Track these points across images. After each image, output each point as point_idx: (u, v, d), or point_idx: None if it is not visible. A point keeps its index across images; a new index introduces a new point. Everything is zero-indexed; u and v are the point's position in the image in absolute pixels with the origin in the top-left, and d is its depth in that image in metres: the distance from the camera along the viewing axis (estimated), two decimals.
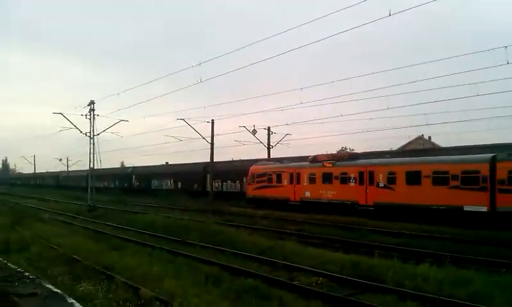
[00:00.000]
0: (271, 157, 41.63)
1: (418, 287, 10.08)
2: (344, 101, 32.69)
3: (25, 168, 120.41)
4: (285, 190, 32.97)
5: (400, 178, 25.25)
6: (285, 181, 33.13)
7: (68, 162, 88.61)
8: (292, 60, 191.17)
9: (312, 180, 31.18)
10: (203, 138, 39.58)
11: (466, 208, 21.69)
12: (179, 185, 53.11)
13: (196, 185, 49.05)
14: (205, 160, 43.72)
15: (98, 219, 28.16)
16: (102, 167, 42.42)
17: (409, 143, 60.58)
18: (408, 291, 9.74)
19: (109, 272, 11.37)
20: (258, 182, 35.82)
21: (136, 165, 68.52)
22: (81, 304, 7.40)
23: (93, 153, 39.66)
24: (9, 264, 11.09)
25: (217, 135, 39.75)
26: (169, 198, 45.78)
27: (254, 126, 41.08)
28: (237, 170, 42.71)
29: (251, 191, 36.42)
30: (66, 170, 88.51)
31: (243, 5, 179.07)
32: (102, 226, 24.04)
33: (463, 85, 25.16)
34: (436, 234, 18.50)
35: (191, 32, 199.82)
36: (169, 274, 11.39)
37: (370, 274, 11.51)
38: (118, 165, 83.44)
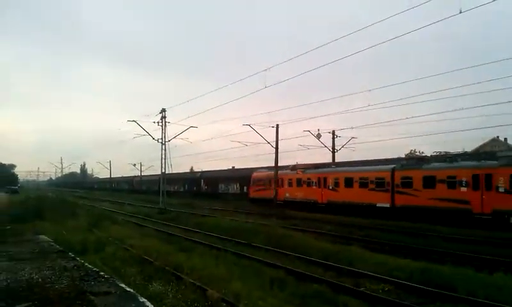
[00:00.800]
0: (335, 160, 41.01)
1: (491, 296, 9.57)
2: (413, 102, 31.67)
3: (102, 173, 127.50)
4: (272, 193, 40.00)
5: (341, 183, 33.72)
6: (286, 184, 40.80)
7: (141, 167, 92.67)
8: (359, 62, 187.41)
9: (289, 184, 40.17)
10: (268, 143, 39.86)
11: (378, 205, 30.13)
12: (245, 189, 53.81)
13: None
14: (270, 165, 43.89)
15: (169, 221, 29.24)
16: (173, 171, 44.19)
17: (484, 145, 57.18)
18: (481, 300, 9.29)
19: (178, 273, 11.75)
20: (257, 185, 45.46)
21: (204, 169, 70.44)
22: (152, 303, 7.73)
23: (165, 159, 41.57)
24: (86, 264, 11.73)
25: (282, 139, 39.84)
26: (236, 202, 46.55)
27: (318, 130, 40.81)
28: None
29: (252, 193, 46.21)
30: (139, 175, 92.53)
31: (308, 9, 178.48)
32: (172, 228, 24.94)
33: None
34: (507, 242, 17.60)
35: (257, 37, 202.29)
36: (235, 276, 11.56)
37: (440, 282, 11.05)
38: (188, 170, 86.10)
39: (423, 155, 43.15)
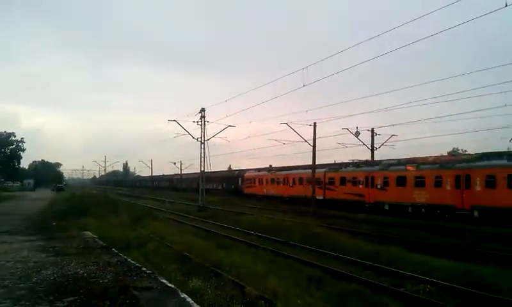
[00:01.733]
0: (374, 159, 40.25)
1: None
2: (456, 99, 30.68)
3: (143, 171, 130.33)
4: (257, 189, 54.52)
5: (297, 181, 45.18)
6: (257, 183, 54.94)
7: (181, 165, 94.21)
8: (398, 59, 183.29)
9: (267, 182, 52.33)
10: (306, 141, 39.62)
11: (318, 198, 38.73)
12: None
13: None
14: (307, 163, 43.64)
15: (208, 218, 29.68)
16: (212, 170, 44.69)
17: None
18: None
19: (217, 270, 11.94)
20: (248, 183, 57.27)
21: (241, 168, 70.82)
22: (192, 299, 7.90)
23: (204, 157, 42.16)
24: (128, 259, 12.03)
25: (320, 138, 39.52)
26: (273, 200, 46.64)
27: (357, 128, 40.19)
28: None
29: (245, 189, 58.04)
30: (179, 173, 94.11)
31: (345, 7, 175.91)
32: (211, 226, 25.29)
33: None
34: None
35: (295, 38, 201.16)
36: (273, 273, 11.64)
37: (483, 283, 10.73)
38: (226, 169, 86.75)
39: (465, 152, 41.74)
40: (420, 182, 29.41)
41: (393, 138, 41.39)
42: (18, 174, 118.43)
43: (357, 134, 40.07)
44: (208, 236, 20.24)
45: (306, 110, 63.12)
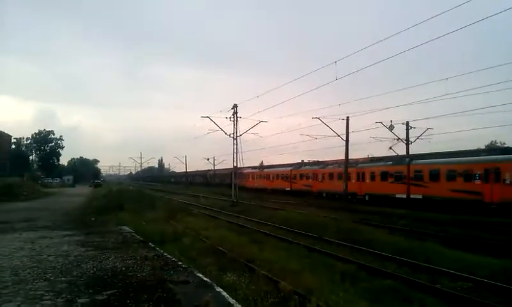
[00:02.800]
0: (409, 153, 39.40)
1: None
2: (495, 90, 29.61)
3: (178, 167, 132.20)
4: (249, 183, 66.28)
5: (274, 177, 60.24)
6: (250, 178, 67.89)
7: (214, 161, 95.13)
8: (434, 50, 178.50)
9: (256, 177, 66.98)
10: (338, 136, 39.25)
11: (286, 189, 54.30)
12: None
13: None
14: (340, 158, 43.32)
15: (241, 213, 29.82)
16: (244, 165, 45.03)
17: None
18: None
19: (251, 265, 12.01)
20: (242, 177, 64.01)
21: (273, 163, 70.92)
22: (227, 293, 7.99)
23: (236, 153, 42.50)
24: (165, 254, 12.27)
25: (352, 132, 39.03)
26: (304, 195, 46.47)
27: (391, 121, 39.41)
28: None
29: (239, 183, 57.75)
30: (212, 168, 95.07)
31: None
32: (244, 221, 25.42)
33: None
34: None
35: (327, 30, 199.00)
36: (306, 269, 11.61)
37: None
38: (258, 164, 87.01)
39: (504, 145, 40.21)
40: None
41: (429, 131, 40.41)
42: (57, 170, 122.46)
43: (391, 128, 39.30)
44: (241, 231, 20.35)
45: (339, 104, 62.64)
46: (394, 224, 22.61)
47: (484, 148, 52.23)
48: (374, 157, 42.73)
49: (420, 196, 32.38)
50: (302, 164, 55.51)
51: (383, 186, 36.66)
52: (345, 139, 38.60)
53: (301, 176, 52.04)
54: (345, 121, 38.43)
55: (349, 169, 39.28)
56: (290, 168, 56.19)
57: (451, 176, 29.93)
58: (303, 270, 11.41)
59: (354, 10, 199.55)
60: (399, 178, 34.98)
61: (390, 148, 39.56)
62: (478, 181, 27.75)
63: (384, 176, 36.99)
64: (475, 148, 42.37)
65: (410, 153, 39.19)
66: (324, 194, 45.45)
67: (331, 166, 45.98)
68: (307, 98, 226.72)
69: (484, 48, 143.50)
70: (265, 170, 65.46)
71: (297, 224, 21.90)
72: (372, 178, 38.66)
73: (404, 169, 34.51)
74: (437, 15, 19.03)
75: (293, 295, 8.92)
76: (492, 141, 65.60)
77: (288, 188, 53.97)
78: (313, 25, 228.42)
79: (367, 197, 38.84)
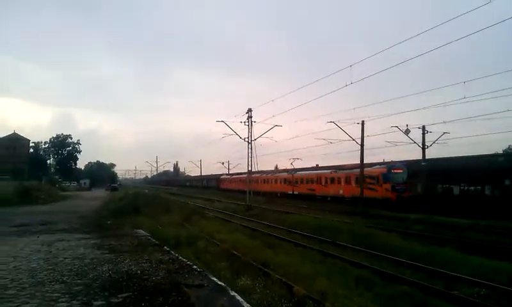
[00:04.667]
0: (425, 157, 38.99)
1: None
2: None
3: (193, 171, 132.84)
4: (227, 185, 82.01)
5: (240, 181, 71.46)
6: (227, 183, 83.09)
7: (229, 165, 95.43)
8: (452, 53, 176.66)
9: (231, 181, 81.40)
10: (353, 140, 38.99)
11: (254, 190, 52.62)
12: None
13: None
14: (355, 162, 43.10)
15: (255, 217, 29.85)
16: (258, 170, 45.13)
17: None
18: None
19: (265, 269, 12.01)
20: (222, 182, 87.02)
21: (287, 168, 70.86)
22: (241, 298, 7.99)
23: (251, 157, 42.56)
24: (180, 257, 12.30)
25: (368, 136, 38.76)
26: (318, 200, 46.26)
27: (407, 125, 39.04)
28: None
29: (221, 186, 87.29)
30: (227, 173, 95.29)
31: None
32: (258, 225, 25.42)
33: None
34: None
35: (343, 34, 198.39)
36: (320, 273, 11.57)
37: None
38: (272, 168, 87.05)
39: None
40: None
41: (445, 136, 39.95)
42: (74, 174, 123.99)
43: (407, 132, 38.94)
44: (255, 235, 20.37)
45: (354, 108, 62.27)
46: (409, 228, 22.37)
47: (501, 152, 51.40)
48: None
49: (297, 193, 53.61)
50: (292, 170, 61.41)
51: (244, 186, 54.00)
52: (360, 143, 38.36)
53: (268, 180, 65.62)
54: (360, 125, 38.20)
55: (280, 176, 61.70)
56: (259, 174, 65.66)
57: (308, 180, 51.76)
58: (317, 274, 11.40)
59: (369, 13, 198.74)
60: (288, 181, 57.14)
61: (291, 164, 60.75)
62: (314, 184, 49.38)
63: (285, 180, 58.54)
64: (493, 153, 41.63)
65: (427, 157, 38.76)
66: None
67: (306, 172, 55.84)
68: (322, 102, 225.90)
69: (502, 51, 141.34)
70: (236, 176, 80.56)
71: (311, 228, 21.86)
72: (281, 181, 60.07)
73: (291, 177, 56.53)
74: (454, 18, 18.88)
75: (307, 299, 8.91)
76: (510, 145, 64.59)
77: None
78: (328, 29, 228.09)
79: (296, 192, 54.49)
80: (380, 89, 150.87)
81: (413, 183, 35.01)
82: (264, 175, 66.13)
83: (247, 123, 42.60)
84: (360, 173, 38.76)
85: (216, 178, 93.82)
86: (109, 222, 22.56)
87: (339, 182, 43.95)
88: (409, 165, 37.31)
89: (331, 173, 46.73)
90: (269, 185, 63.50)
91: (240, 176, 73.09)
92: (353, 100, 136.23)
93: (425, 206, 30.48)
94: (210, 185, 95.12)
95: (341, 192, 43.24)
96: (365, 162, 39.94)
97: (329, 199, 44.82)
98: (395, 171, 35.24)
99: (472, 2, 17.02)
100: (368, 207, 32.71)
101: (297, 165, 63.77)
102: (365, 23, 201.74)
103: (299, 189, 53.20)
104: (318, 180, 48.79)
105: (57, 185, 77.55)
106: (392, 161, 40.08)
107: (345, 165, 46.74)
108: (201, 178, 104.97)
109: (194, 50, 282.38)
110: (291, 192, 54.72)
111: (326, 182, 46.70)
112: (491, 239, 18.74)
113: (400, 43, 43.93)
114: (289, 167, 65.59)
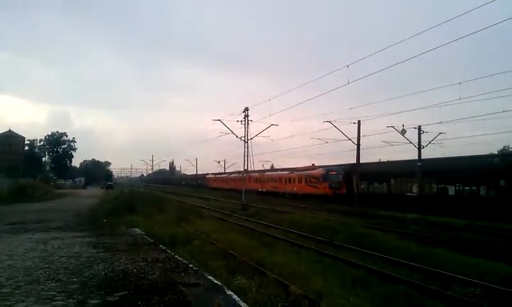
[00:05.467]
0: (421, 157, 39.04)
1: None
2: (509, 95, 29.24)
3: (189, 170, 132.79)
4: (212, 184, 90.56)
5: (221, 179, 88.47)
6: (212, 181, 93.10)
7: (225, 164, 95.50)
8: (448, 54, 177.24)
9: (215, 180, 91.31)
10: (349, 139, 39.09)
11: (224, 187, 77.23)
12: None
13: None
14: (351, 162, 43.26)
15: (251, 217, 29.81)
16: (254, 168, 45.41)
17: None
18: None
19: (261, 268, 12.00)
20: (207, 181, 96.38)
21: (283, 167, 70.98)
22: (238, 297, 7.98)
23: (247, 156, 42.57)
24: (175, 256, 12.29)
25: (364, 136, 38.85)
26: (315, 199, 46.28)
27: (403, 125, 39.07)
28: (386, 171, 42.14)
29: (209, 184, 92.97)
30: (223, 172, 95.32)
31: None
32: (254, 224, 25.41)
33: None
34: None
35: (339, 34, 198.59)
36: (316, 273, 11.58)
37: None
38: (268, 168, 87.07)
39: None
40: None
41: (442, 136, 40.04)
42: (69, 172, 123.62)
43: (403, 132, 38.98)
44: (251, 235, 20.35)
45: (351, 108, 62.43)
46: (405, 228, 22.43)
47: (496, 153, 51.72)
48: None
49: (265, 190, 61.74)
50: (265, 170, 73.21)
51: (228, 184, 74.97)
52: (356, 143, 38.45)
53: (227, 179, 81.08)
54: (356, 125, 38.30)
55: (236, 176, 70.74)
56: (226, 174, 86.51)
57: (273, 179, 61.75)
58: (312, 274, 11.41)
59: (366, 14, 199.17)
60: (258, 180, 64.58)
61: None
62: (277, 183, 59.21)
63: (256, 179, 65.26)
64: (488, 153, 41.87)
65: (423, 157, 38.81)
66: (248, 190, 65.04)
67: (272, 173, 66.49)
68: (319, 102, 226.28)
69: (498, 52, 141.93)
70: (220, 176, 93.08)
71: (307, 228, 21.88)
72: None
73: (261, 176, 65.16)
74: (451, 19, 18.92)
75: (303, 299, 8.91)
76: (505, 146, 64.98)
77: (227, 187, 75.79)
78: (325, 29, 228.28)
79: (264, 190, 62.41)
80: (377, 90, 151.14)
81: (349, 182, 43.55)
82: (241, 175, 66.64)
83: (243, 122, 42.63)
84: (356, 172, 38.91)
85: (204, 177, 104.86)
86: (104, 220, 22.46)
87: (294, 182, 53.60)
88: (344, 168, 44.44)
89: (288, 174, 56.54)
90: (252, 183, 66.02)
91: (222, 176, 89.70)
92: (350, 100, 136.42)
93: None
94: (202, 183, 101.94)
95: (295, 189, 52.12)
96: (361, 161, 40.14)
97: (287, 195, 52.37)
98: (331, 172, 41.98)
99: (469, 3, 17.03)
100: (310, 200, 40.35)
101: (296, 164, 64.01)
102: (362, 23, 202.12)
103: (267, 187, 62.30)
104: (280, 179, 58.90)
105: (52, 183, 77.21)
106: (331, 165, 48.49)
107: (299, 167, 56.04)
108: (196, 177, 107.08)
109: (191, 49, 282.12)
110: (260, 190, 62.53)
111: (285, 182, 56.43)
112: (485, 240, 18.81)
113: (397, 43, 44.04)
114: (286, 166, 66.50)
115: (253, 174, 68.98)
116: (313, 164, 60.79)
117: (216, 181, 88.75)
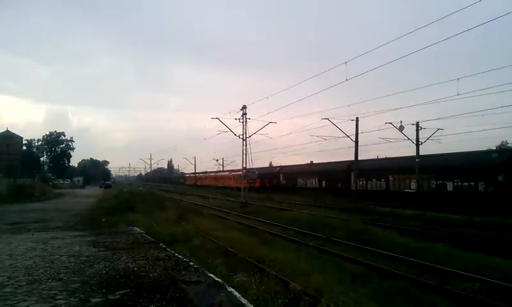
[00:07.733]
0: (419, 153, 39.18)
1: None
2: (507, 90, 29.45)
3: (187, 168, 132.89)
4: (188, 181, 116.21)
5: (202, 178, 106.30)
6: (188, 179, 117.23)
7: (223, 162, 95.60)
8: (446, 50, 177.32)
9: (201, 178, 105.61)
10: (347, 136, 39.21)
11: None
12: (323, 183, 53.41)
13: (340, 184, 48.93)
14: (350, 159, 43.37)
15: (250, 214, 29.87)
16: (253, 166, 45.48)
17: None
18: None
19: (260, 265, 12.04)
20: (199, 180, 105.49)
21: (282, 164, 71.15)
22: (239, 293, 8.04)
23: (245, 154, 42.70)
24: (176, 254, 12.35)
25: (362, 133, 38.98)
26: (314, 196, 46.39)
27: (401, 122, 39.19)
28: (383, 168, 42.28)
29: (186, 182, 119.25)
30: (222, 170, 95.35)
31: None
32: (253, 221, 25.46)
33: None
34: None
35: (338, 31, 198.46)
36: (316, 270, 11.61)
37: None
38: (267, 165, 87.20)
39: None
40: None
41: (440, 132, 40.19)
42: (68, 172, 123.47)
43: (401, 128, 39.06)
44: (251, 232, 20.37)
45: (349, 105, 62.44)
46: (404, 225, 22.51)
47: (494, 148, 51.94)
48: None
49: (220, 185, 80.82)
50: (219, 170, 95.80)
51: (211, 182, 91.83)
52: (354, 139, 38.56)
53: (214, 177, 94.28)
54: (354, 122, 38.40)
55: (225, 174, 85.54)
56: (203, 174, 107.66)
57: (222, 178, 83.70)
58: (312, 270, 11.40)
59: (364, 11, 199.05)
60: (215, 178, 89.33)
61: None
62: (225, 180, 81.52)
63: (214, 177, 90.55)
64: (486, 149, 42.00)
65: (421, 153, 38.94)
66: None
67: (223, 173, 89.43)
68: (317, 99, 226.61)
69: (495, 48, 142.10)
70: (203, 174, 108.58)
71: (307, 225, 21.96)
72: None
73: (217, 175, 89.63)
74: (448, 15, 18.96)
75: (303, 295, 8.95)
76: (503, 142, 65.16)
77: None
78: (323, 26, 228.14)
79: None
80: (375, 86, 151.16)
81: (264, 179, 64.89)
82: (207, 174, 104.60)
83: (241, 120, 42.67)
84: (355, 168, 38.98)
85: (184, 177, 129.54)
86: (103, 219, 22.48)
87: (231, 179, 75.50)
88: (259, 170, 55.25)
89: (229, 174, 79.82)
90: (209, 180, 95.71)
91: (206, 174, 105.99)
92: (349, 96, 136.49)
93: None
94: (183, 182, 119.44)
95: (231, 184, 72.05)
96: (359, 158, 40.22)
97: (232, 189, 66.02)
98: (250, 172, 46.41)
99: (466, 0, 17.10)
100: (238, 191, 47.95)
101: (296, 162, 63.95)
102: (361, 20, 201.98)
103: (220, 183, 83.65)
104: (225, 177, 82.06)
105: (50, 183, 77.22)
106: (261, 168, 61.35)
107: (235, 169, 74.48)
108: (179, 176, 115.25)
109: (190, 48, 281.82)
110: (216, 185, 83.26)
111: (228, 179, 79.68)
112: (484, 235, 18.90)
113: (395, 40, 44.17)
114: (283, 164, 66.82)
115: (213, 173, 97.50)
116: (311, 162, 61.20)
117: (201, 180, 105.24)
